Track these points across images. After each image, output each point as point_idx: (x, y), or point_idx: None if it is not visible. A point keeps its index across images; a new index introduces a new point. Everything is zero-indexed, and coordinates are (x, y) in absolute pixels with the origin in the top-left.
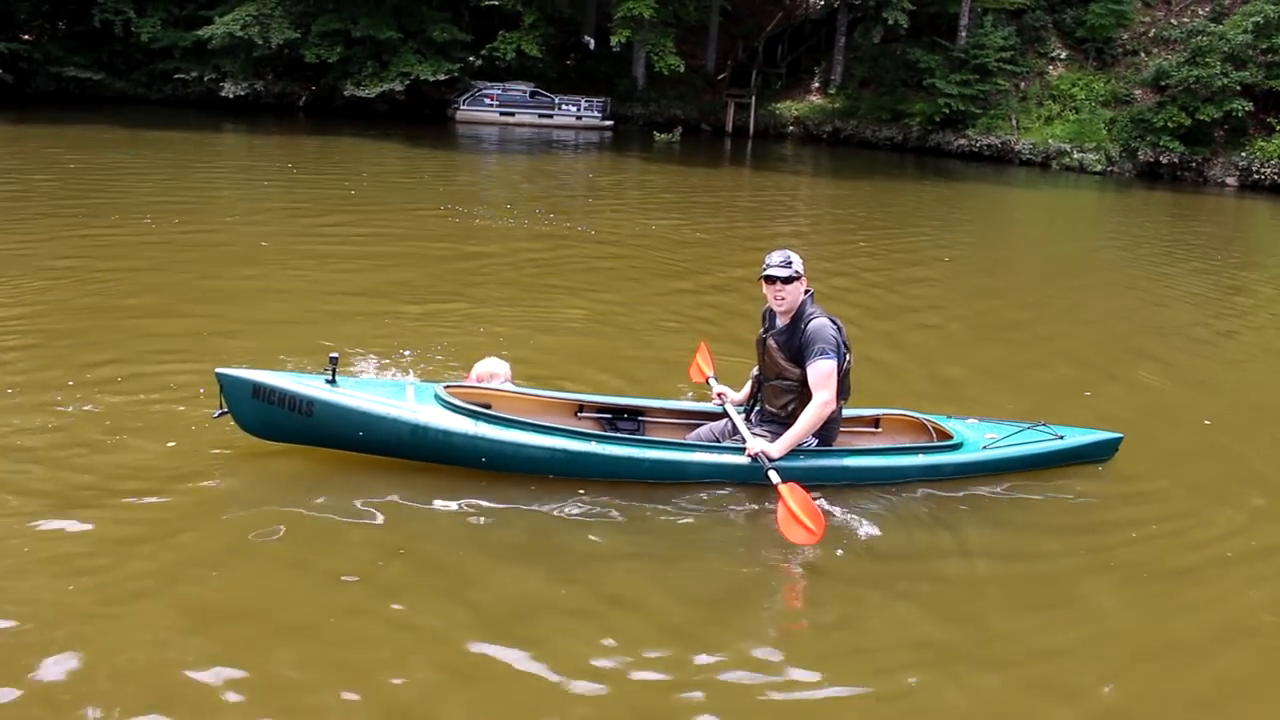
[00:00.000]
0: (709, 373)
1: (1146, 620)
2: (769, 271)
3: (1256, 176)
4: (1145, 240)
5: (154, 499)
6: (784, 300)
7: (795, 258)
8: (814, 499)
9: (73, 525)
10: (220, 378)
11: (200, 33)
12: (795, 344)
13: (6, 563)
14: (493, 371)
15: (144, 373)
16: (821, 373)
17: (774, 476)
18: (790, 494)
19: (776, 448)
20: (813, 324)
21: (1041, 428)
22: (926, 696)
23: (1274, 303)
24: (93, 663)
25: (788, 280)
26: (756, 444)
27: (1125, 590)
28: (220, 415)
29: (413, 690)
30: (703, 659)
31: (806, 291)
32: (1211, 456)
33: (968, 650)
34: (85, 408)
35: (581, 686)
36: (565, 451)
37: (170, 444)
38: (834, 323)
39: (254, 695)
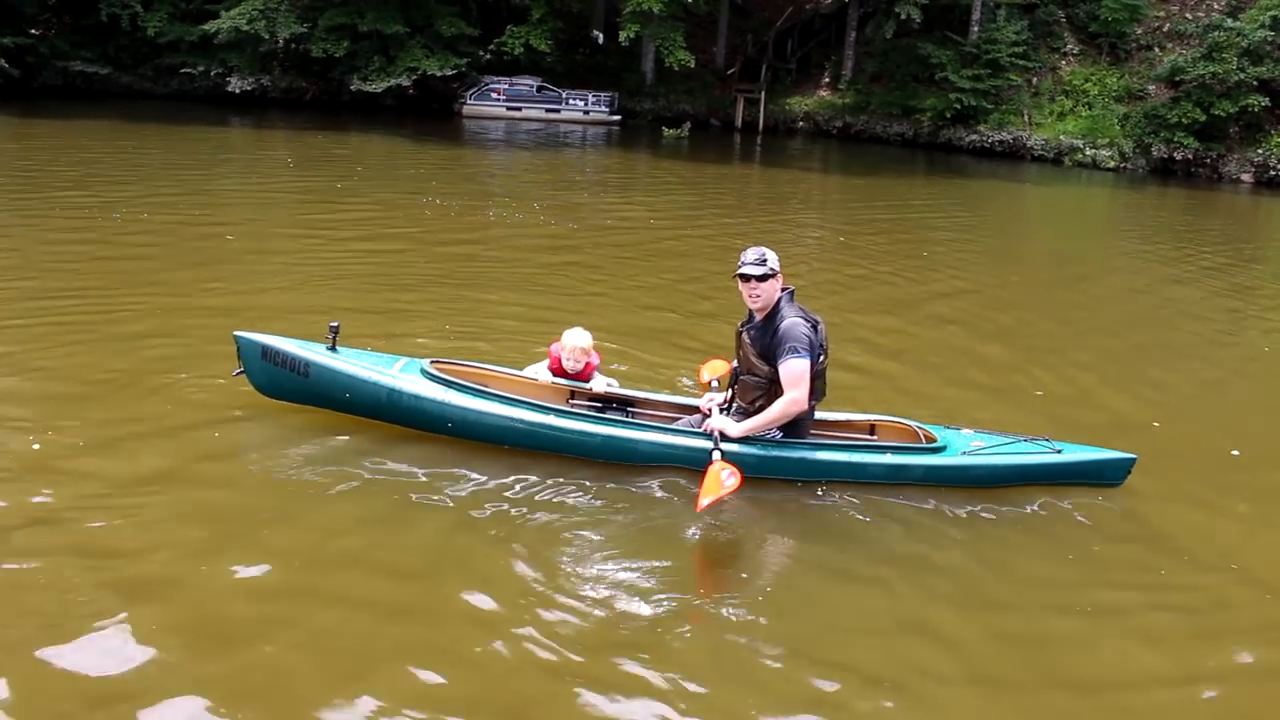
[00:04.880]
0: (712, 379)
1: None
2: (743, 269)
3: (1273, 173)
4: (1159, 239)
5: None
6: (758, 298)
7: (771, 255)
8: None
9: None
10: (237, 339)
11: (206, 27)
12: (767, 341)
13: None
14: (563, 342)
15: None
16: (794, 372)
17: (716, 454)
18: (716, 471)
19: (736, 429)
20: (785, 323)
21: (1042, 441)
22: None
23: None
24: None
25: (762, 278)
26: (718, 421)
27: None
28: (238, 374)
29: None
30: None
31: (785, 289)
32: (1236, 490)
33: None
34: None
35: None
36: (523, 422)
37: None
38: (809, 321)
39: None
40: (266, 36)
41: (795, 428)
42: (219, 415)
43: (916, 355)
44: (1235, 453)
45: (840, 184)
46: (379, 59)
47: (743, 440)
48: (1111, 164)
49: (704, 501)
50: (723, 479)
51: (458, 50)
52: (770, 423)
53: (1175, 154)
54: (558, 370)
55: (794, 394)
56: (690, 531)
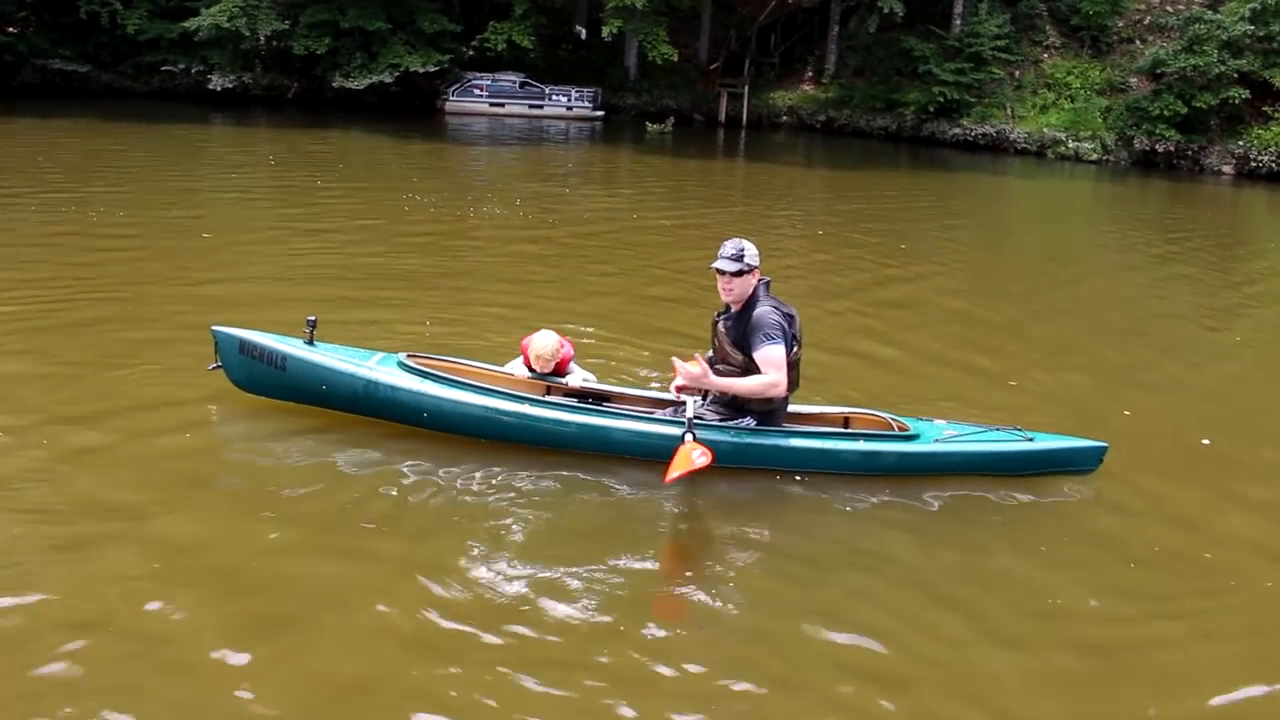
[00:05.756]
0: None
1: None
2: (717, 263)
3: (1253, 164)
4: (1140, 231)
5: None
6: (732, 292)
7: (749, 248)
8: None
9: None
10: (215, 334)
11: (186, 24)
12: (741, 330)
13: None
14: (529, 342)
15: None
16: (770, 358)
17: (689, 436)
18: (687, 450)
19: (717, 382)
20: (757, 312)
21: (1014, 430)
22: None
23: (1273, 296)
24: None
25: (736, 273)
26: (700, 369)
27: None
28: (214, 368)
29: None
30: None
31: (762, 280)
32: (1206, 478)
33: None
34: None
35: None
36: (498, 412)
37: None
38: (783, 312)
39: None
40: (247, 34)
41: (770, 417)
42: (194, 409)
43: (891, 345)
44: (1206, 441)
45: (823, 178)
46: (361, 56)
47: (716, 428)
48: (1094, 156)
49: (672, 474)
50: (693, 456)
51: (440, 47)
52: (748, 391)
53: (1157, 146)
54: (532, 365)
55: (774, 375)
56: (663, 523)
